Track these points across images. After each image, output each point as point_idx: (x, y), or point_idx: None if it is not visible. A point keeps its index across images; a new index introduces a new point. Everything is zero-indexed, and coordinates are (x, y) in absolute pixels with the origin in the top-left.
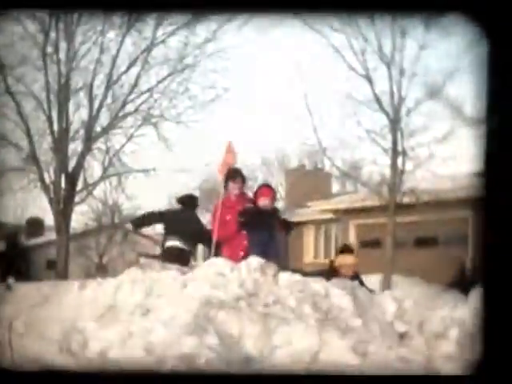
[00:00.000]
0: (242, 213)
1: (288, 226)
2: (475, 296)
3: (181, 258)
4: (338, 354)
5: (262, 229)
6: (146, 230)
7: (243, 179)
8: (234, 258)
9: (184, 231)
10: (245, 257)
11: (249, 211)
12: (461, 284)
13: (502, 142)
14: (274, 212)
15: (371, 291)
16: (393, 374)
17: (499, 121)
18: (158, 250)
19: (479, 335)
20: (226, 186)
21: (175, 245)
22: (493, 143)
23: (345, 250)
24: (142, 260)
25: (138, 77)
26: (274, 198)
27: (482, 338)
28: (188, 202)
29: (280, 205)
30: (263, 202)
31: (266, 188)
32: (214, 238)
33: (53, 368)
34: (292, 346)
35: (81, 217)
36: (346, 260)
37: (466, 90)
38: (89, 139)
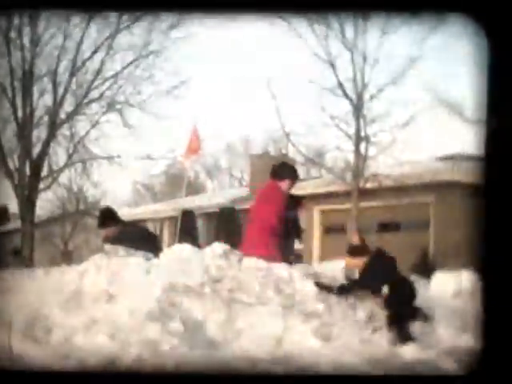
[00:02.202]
0: (289, 220)
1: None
2: (436, 280)
3: None
4: (302, 338)
5: (293, 236)
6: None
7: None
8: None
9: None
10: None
11: (292, 220)
12: (423, 268)
13: (501, 142)
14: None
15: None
16: (392, 374)
17: (499, 121)
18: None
19: (478, 331)
20: (278, 179)
21: None
22: (492, 143)
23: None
24: (107, 247)
25: (103, 63)
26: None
27: (482, 334)
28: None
29: (244, 191)
30: (302, 213)
31: (302, 200)
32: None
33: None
34: (256, 330)
35: (46, 204)
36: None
37: (466, 89)
38: (53, 126)
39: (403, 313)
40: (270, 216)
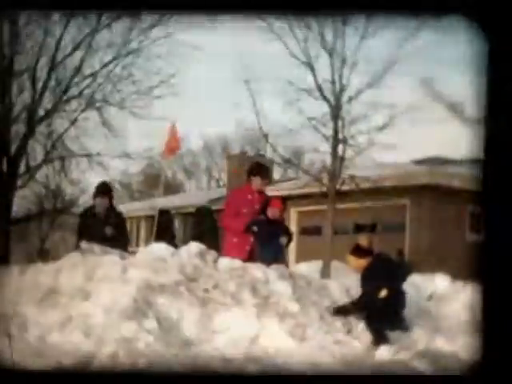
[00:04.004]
0: (254, 223)
1: (290, 236)
2: (411, 282)
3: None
4: (277, 338)
5: (271, 239)
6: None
7: (268, 176)
8: (239, 253)
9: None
10: (249, 260)
11: (260, 222)
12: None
13: (501, 142)
14: (281, 222)
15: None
16: (393, 374)
17: (499, 121)
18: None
19: (478, 335)
20: (248, 178)
21: None
22: (492, 143)
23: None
24: (84, 245)
25: (82, 61)
26: (282, 210)
27: (481, 337)
28: (103, 190)
29: (222, 191)
30: (273, 213)
31: (277, 200)
32: (224, 226)
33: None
34: (231, 330)
35: (23, 201)
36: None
37: (464, 89)
38: (32, 122)
39: (390, 319)
40: (226, 219)
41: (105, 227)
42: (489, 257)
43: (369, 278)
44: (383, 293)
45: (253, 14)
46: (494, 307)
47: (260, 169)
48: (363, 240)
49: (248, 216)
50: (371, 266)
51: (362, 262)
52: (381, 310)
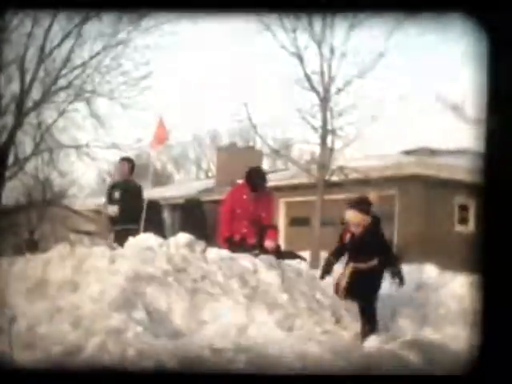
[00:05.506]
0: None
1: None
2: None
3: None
4: (265, 328)
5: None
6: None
7: (255, 188)
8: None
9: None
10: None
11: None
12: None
13: (501, 142)
14: (277, 250)
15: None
16: (390, 374)
17: (499, 121)
18: (89, 226)
19: (477, 332)
20: (248, 183)
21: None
22: (492, 143)
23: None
24: (73, 236)
25: (71, 51)
26: (278, 239)
27: (480, 334)
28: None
29: (211, 182)
30: (269, 244)
31: (272, 231)
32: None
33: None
34: (220, 320)
35: (11, 193)
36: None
37: (466, 88)
38: (20, 114)
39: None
40: (222, 221)
41: (115, 191)
42: (487, 249)
43: (366, 242)
44: (374, 262)
45: (242, 12)
46: (492, 299)
47: (248, 176)
48: (373, 195)
49: (242, 219)
50: (371, 229)
51: (364, 219)
52: (366, 277)
